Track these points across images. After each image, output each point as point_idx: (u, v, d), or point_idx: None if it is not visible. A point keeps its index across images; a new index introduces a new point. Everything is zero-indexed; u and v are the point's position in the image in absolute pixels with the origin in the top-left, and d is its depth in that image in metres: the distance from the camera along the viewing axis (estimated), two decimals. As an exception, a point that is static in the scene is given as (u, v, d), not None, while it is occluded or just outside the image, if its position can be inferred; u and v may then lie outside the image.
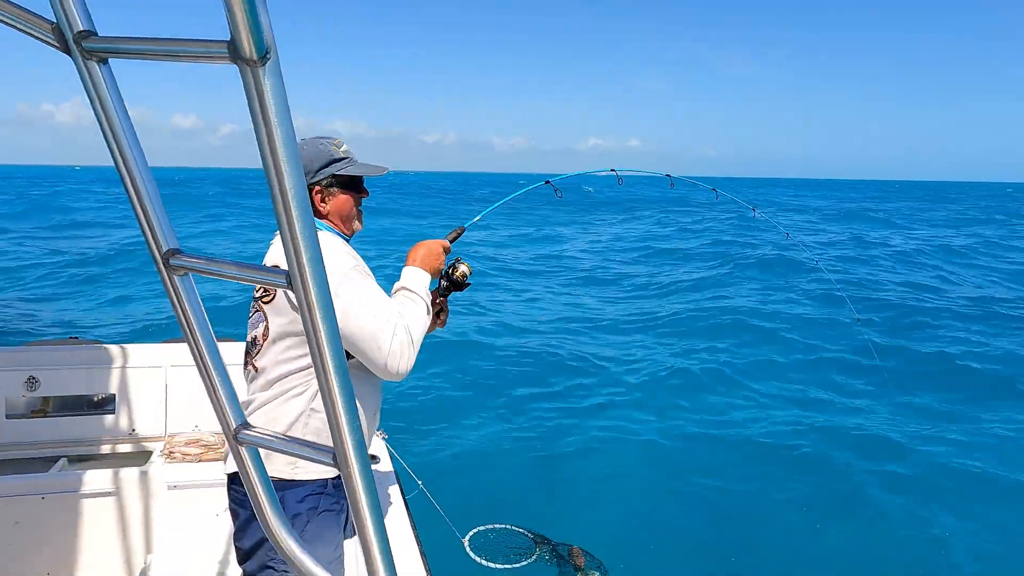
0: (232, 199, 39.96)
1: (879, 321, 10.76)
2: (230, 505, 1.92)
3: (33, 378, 3.02)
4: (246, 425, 0.74)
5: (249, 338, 1.87)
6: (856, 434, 6.43)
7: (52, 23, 0.59)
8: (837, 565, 4.44)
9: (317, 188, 1.84)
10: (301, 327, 1.68)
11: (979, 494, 5.38)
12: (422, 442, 6.01)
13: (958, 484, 5.52)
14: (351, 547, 2.00)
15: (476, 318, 10.26)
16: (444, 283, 2.06)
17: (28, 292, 12.40)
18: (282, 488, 1.75)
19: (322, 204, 1.86)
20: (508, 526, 3.38)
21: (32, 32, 0.62)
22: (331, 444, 1.87)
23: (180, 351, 3.16)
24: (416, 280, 1.88)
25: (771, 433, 6.40)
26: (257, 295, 1.83)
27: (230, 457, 1.88)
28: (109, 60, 0.60)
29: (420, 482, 3.18)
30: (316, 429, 1.77)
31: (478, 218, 2.37)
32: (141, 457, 3.10)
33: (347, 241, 1.90)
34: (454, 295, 2.08)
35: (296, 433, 1.75)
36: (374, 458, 2.91)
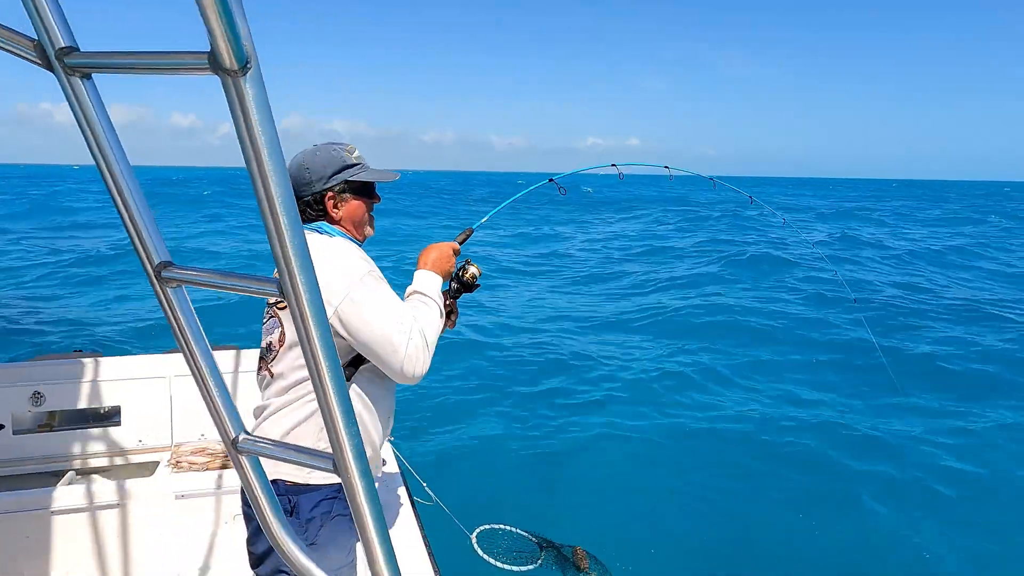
0: (231, 199, 39.98)
1: (864, 322, 10.82)
2: (243, 509, 1.93)
3: (38, 393, 3.04)
4: (246, 433, 0.74)
5: (264, 344, 1.88)
6: (857, 432, 6.44)
7: (33, 40, 0.59)
8: (838, 564, 4.45)
9: (330, 194, 1.84)
10: None
11: (979, 492, 5.39)
12: (422, 442, 6.02)
13: (956, 482, 5.54)
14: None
15: (476, 317, 10.28)
16: (454, 285, 2.08)
17: (29, 292, 12.40)
18: (296, 492, 1.77)
19: (335, 210, 1.86)
20: (511, 528, 3.38)
21: (13, 50, 0.61)
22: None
23: (184, 361, 3.11)
24: (428, 283, 1.90)
25: (772, 432, 6.41)
26: (272, 301, 1.83)
27: None
28: (92, 75, 0.60)
29: (424, 483, 3.19)
30: None
31: (485, 219, 2.39)
32: (148, 468, 3.12)
33: (360, 246, 1.91)
34: (463, 296, 2.10)
35: (312, 438, 1.76)
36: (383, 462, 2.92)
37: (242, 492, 1.92)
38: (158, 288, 0.65)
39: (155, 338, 8.94)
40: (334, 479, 1.76)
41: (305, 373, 1.76)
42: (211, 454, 3.03)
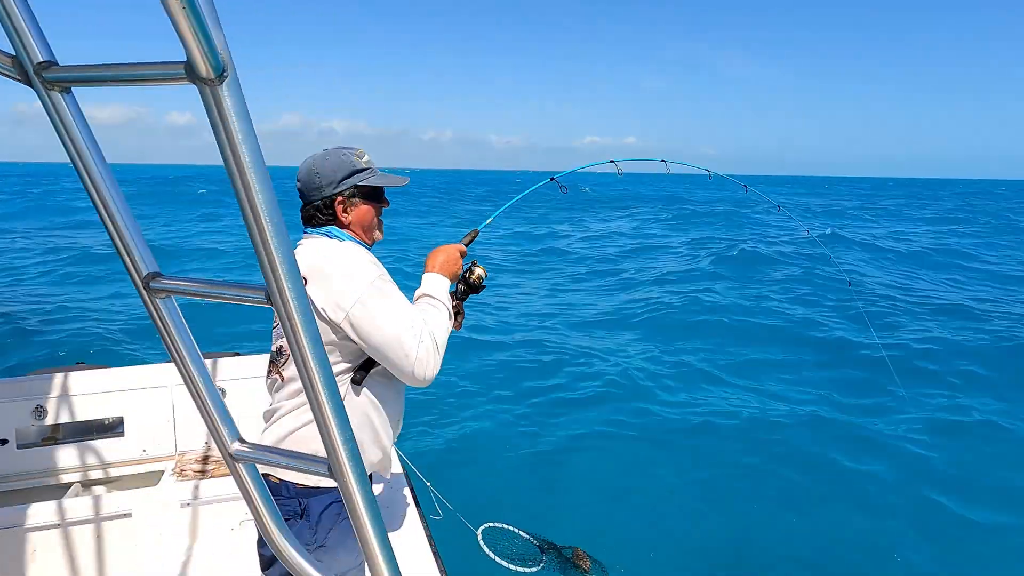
0: (229, 198, 39.97)
1: (865, 317, 10.85)
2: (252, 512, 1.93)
3: (41, 407, 3.05)
4: (240, 441, 0.74)
5: (274, 348, 1.90)
6: (856, 429, 6.45)
7: (11, 56, 0.59)
8: (839, 564, 4.44)
9: (340, 198, 1.85)
10: (327, 337, 1.73)
11: (976, 488, 5.40)
12: (420, 441, 6.02)
13: (956, 479, 5.55)
14: None
15: (472, 316, 10.28)
16: (461, 287, 2.10)
17: (28, 291, 12.38)
18: (306, 495, 1.78)
19: (344, 214, 1.87)
20: (513, 528, 3.38)
21: None
22: (366, 452, 1.87)
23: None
24: (437, 286, 1.92)
25: (773, 431, 6.41)
26: None
27: None
28: (72, 89, 0.59)
29: (428, 483, 3.20)
30: None
31: (490, 220, 2.40)
32: (153, 477, 3.14)
33: (369, 250, 1.91)
34: (470, 297, 2.12)
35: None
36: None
37: None
38: (147, 299, 0.65)
39: (156, 338, 8.91)
40: None
41: None
42: (215, 461, 3.04)
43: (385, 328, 1.68)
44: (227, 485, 2.81)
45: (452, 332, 1.97)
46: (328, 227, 1.87)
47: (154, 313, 0.66)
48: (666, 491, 5.30)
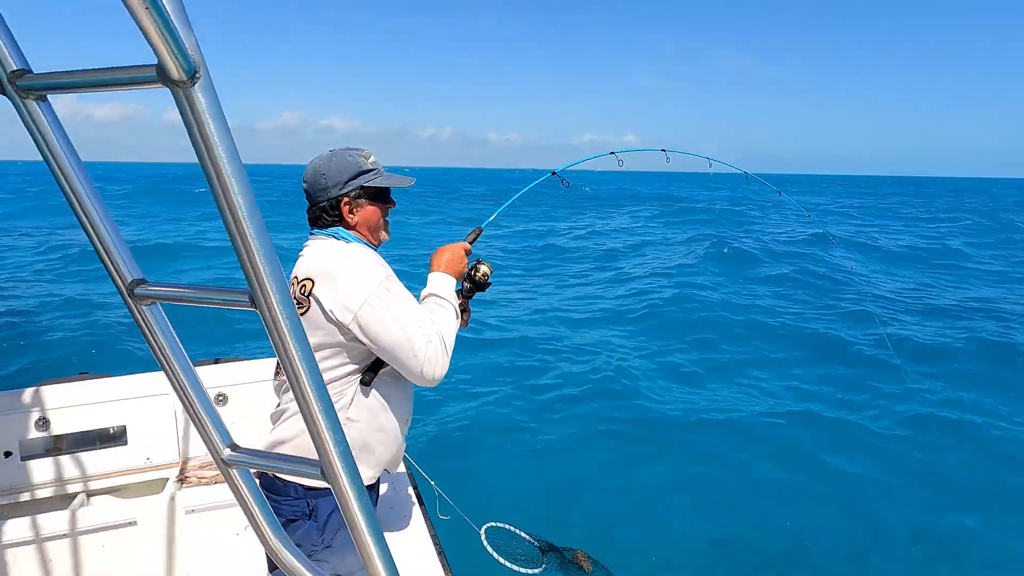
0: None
1: (872, 314, 10.87)
2: None
3: (44, 418, 3.06)
4: (232, 448, 0.74)
5: None
6: (857, 429, 6.45)
7: None
8: (839, 564, 4.45)
9: (346, 200, 1.85)
10: (336, 338, 1.73)
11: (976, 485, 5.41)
12: (422, 439, 6.02)
13: (955, 478, 5.56)
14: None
15: (477, 315, 10.25)
16: (467, 285, 2.09)
17: (28, 290, 12.38)
18: (315, 496, 1.78)
19: (350, 215, 1.86)
20: (514, 529, 3.38)
21: None
22: (375, 453, 1.86)
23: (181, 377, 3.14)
24: (443, 286, 1.92)
25: (774, 430, 6.41)
26: None
27: None
28: (48, 97, 0.59)
29: (433, 482, 3.20)
30: (351, 438, 1.80)
31: (493, 216, 2.39)
32: (157, 485, 3.15)
33: (375, 251, 1.91)
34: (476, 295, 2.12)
35: None
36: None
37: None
38: (133, 307, 0.64)
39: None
40: None
41: (324, 378, 1.74)
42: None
43: (393, 329, 1.68)
44: (230, 491, 2.79)
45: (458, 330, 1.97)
46: (334, 228, 1.86)
47: (140, 321, 0.65)
48: (667, 492, 5.29)
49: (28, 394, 3.12)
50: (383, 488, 2.93)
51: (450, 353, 1.78)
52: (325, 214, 1.86)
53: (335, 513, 1.78)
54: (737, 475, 5.54)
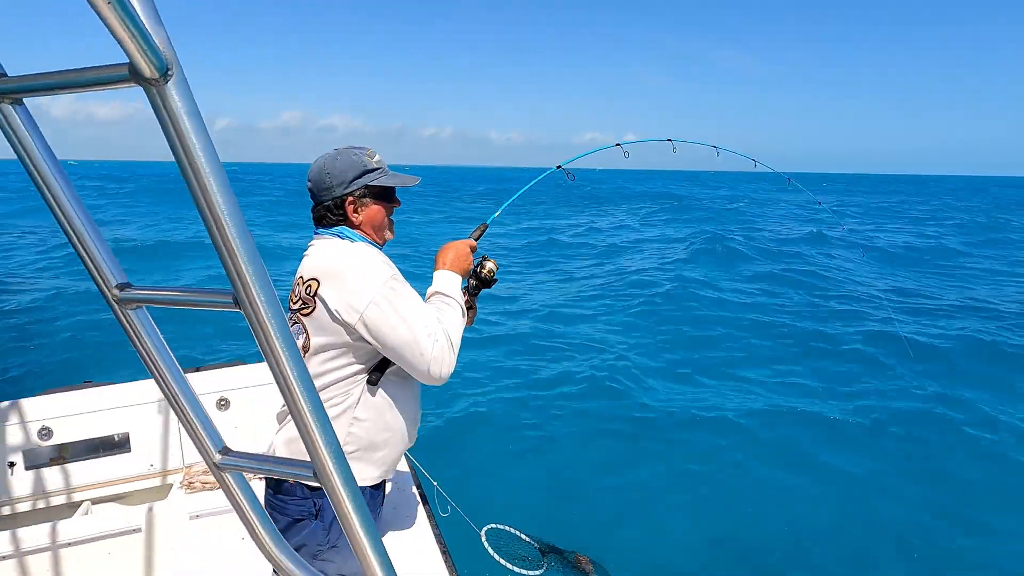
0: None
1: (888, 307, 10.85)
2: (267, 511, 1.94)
3: (47, 428, 3.07)
4: (223, 452, 0.74)
5: None
6: (855, 428, 6.44)
7: None
8: (838, 560, 4.44)
9: (350, 199, 1.84)
10: (341, 339, 1.73)
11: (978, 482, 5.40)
12: (422, 438, 6.00)
13: (954, 476, 5.55)
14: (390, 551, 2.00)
15: (479, 312, 10.24)
16: (473, 282, 2.08)
17: (28, 290, 12.39)
18: (320, 496, 1.79)
19: (355, 214, 1.86)
20: (515, 531, 3.38)
21: None
22: (382, 452, 1.85)
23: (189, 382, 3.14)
24: (449, 284, 1.91)
25: (774, 430, 6.39)
26: (295, 307, 1.83)
27: None
28: (24, 101, 0.58)
29: (436, 483, 3.20)
30: (358, 437, 1.80)
31: (498, 213, 2.38)
32: (162, 491, 3.16)
33: (380, 250, 1.90)
34: (482, 292, 2.11)
35: (340, 441, 1.76)
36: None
37: (265, 493, 1.93)
38: (118, 311, 0.63)
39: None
40: (357, 482, 1.77)
41: (331, 378, 1.77)
42: None
43: (400, 328, 1.68)
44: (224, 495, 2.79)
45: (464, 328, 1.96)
46: (339, 227, 1.86)
47: (127, 325, 0.64)
48: (666, 491, 5.28)
49: (31, 404, 3.13)
50: (387, 487, 2.93)
51: (457, 351, 1.78)
52: (330, 213, 1.85)
53: None
54: (736, 474, 5.53)
